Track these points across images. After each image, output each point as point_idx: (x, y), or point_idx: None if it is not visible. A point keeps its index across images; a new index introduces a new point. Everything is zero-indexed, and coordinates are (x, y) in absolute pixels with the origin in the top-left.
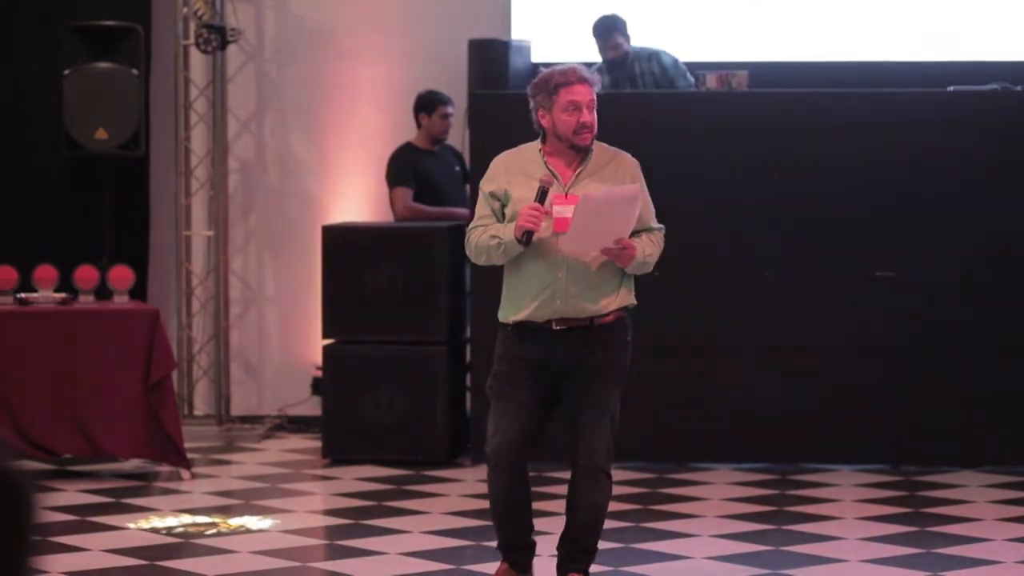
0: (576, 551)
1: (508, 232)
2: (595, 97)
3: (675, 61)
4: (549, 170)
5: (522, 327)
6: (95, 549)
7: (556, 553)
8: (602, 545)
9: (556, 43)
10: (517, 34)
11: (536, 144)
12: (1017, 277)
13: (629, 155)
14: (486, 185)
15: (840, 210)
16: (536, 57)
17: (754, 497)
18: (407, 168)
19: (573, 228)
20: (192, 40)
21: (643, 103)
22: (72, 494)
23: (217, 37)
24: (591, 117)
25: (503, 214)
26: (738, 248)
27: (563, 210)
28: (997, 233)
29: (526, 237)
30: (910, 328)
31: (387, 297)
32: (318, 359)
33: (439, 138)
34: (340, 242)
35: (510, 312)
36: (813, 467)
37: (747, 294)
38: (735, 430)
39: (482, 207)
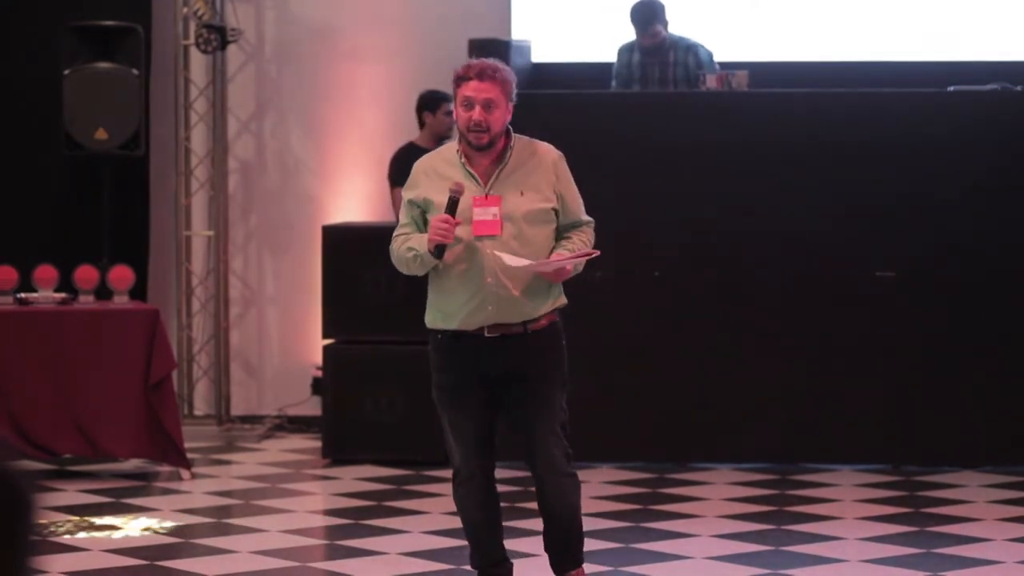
0: (568, 550)
1: (423, 243)
2: (499, 95)
3: (711, 57)
4: (466, 171)
5: (456, 335)
6: (95, 549)
7: (547, 554)
8: (602, 545)
9: (556, 43)
10: (517, 34)
11: (452, 145)
12: (1017, 277)
13: (551, 147)
14: (406, 192)
15: (840, 210)
16: (536, 57)
17: (754, 497)
18: (408, 168)
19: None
20: (192, 40)
21: (643, 103)
22: (72, 494)
23: (217, 37)
24: (484, 116)
25: (425, 221)
26: (737, 248)
27: (483, 212)
28: (997, 233)
29: (437, 251)
30: (910, 328)
31: (387, 297)
32: (318, 359)
33: (443, 136)
34: (340, 242)
35: (439, 319)
36: (813, 467)
37: (747, 294)
38: (735, 430)
39: (403, 215)
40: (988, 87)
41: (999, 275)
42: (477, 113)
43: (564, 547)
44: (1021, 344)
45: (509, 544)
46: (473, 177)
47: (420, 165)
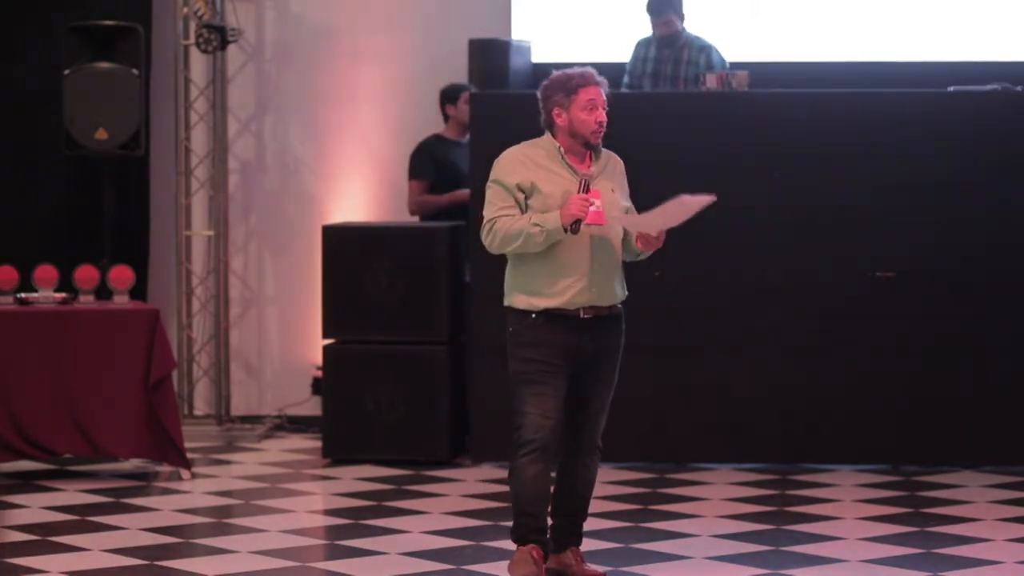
0: (576, 525)
1: (550, 220)
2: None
3: (723, 62)
4: (568, 166)
5: (551, 315)
6: (95, 549)
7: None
8: (602, 545)
9: (556, 43)
10: (517, 34)
11: (546, 141)
12: (1017, 277)
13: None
14: (509, 177)
15: (840, 210)
16: (536, 57)
17: (754, 497)
18: (427, 161)
19: (653, 212)
20: (192, 40)
21: (643, 103)
22: (72, 494)
23: (217, 37)
24: (605, 117)
25: (526, 205)
26: (738, 248)
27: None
28: (997, 233)
29: (574, 225)
30: (910, 328)
31: (387, 297)
32: (318, 359)
33: (467, 124)
34: (340, 242)
35: (536, 299)
36: (813, 467)
37: (747, 294)
38: (735, 430)
39: (503, 198)
40: (988, 87)
41: (999, 275)
42: (601, 115)
43: (579, 520)
44: (1021, 344)
45: (501, 538)
46: (574, 172)
47: (515, 155)
